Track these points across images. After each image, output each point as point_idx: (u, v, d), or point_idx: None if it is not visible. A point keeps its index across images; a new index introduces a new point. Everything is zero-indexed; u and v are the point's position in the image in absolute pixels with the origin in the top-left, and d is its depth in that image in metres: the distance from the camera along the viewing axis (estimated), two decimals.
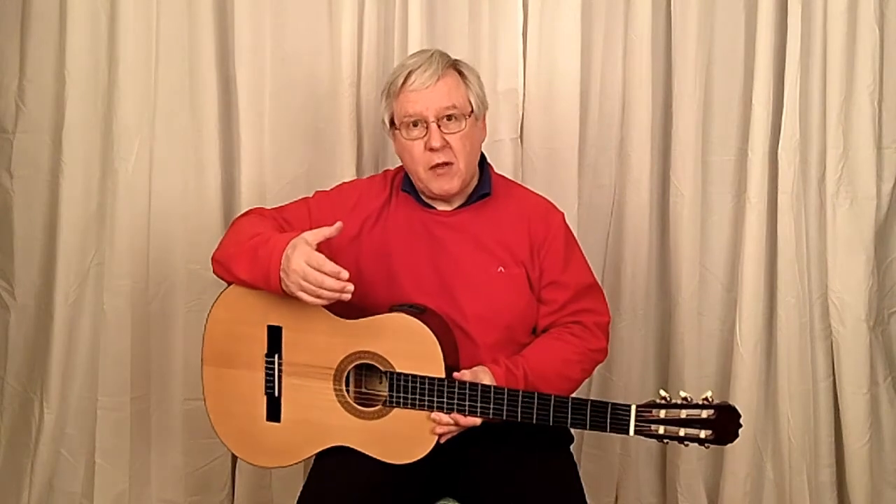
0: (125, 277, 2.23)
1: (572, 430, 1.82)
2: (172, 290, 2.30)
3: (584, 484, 1.67)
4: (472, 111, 1.71)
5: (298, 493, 1.60)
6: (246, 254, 1.59)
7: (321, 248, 1.56)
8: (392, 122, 1.73)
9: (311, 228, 1.70)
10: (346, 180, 2.10)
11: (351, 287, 1.51)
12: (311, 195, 1.83)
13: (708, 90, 2.25)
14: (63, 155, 2.22)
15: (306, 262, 1.50)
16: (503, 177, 1.88)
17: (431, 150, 1.66)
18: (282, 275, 1.53)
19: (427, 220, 1.74)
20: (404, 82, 1.68)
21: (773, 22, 2.17)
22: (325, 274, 1.49)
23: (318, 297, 1.51)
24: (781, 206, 2.21)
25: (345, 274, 1.50)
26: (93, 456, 2.28)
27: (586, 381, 1.83)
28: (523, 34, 2.25)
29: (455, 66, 1.73)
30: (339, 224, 1.56)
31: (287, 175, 2.27)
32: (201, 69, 2.24)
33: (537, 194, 1.84)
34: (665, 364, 2.38)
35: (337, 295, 1.51)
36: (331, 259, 1.55)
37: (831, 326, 2.25)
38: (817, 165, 2.24)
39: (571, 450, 1.78)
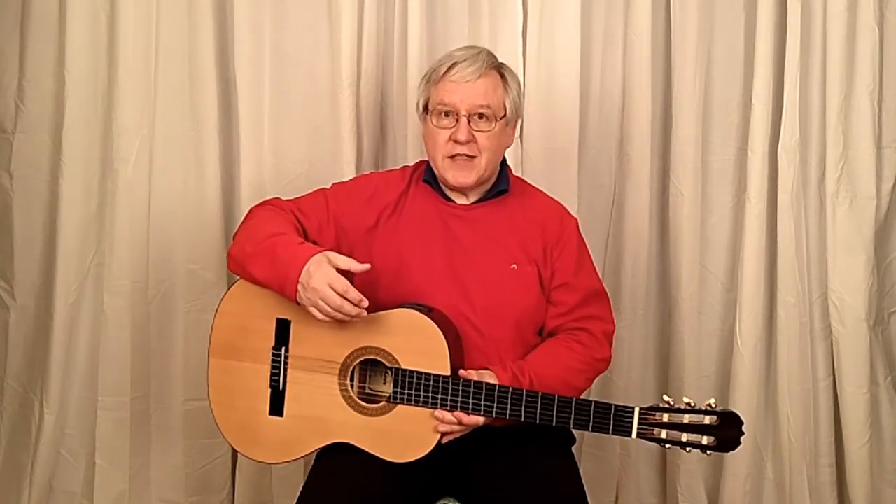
0: (125, 277, 2.23)
1: (574, 431, 1.82)
2: (172, 290, 2.29)
3: (584, 484, 1.66)
4: (504, 114, 1.73)
5: (298, 494, 1.60)
6: (264, 254, 1.60)
7: (331, 242, 1.62)
8: (426, 107, 1.75)
9: (328, 219, 1.74)
10: (345, 179, 2.10)
11: (365, 311, 1.54)
12: (328, 186, 1.84)
13: (708, 90, 2.26)
14: (63, 155, 2.21)
15: (329, 285, 1.51)
16: (520, 178, 1.91)
17: (456, 142, 1.68)
18: (299, 287, 1.54)
19: (444, 212, 1.76)
20: (447, 72, 1.70)
21: (772, 22, 2.17)
22: (347, 300, 1.51)
23: (330, 316, 1.54)
24: (781, 206, 2.21)
25: (366, 303, 1.53)
26: (93, 456, 2.28)
27: None
28: (523, 34, 2.25)
29: (499, 68, 1.76)
30: (367, 266, 1.57)
31: (287, 175, 2.27)
32: (201, 69, 2.24)
33: (553, 198, 1.86)
34: (665, 364, 2.39)
35: (350, 318, 1.54)
36: (348, 253, 1.61)
37: (831, 326, 2.25)
38: (817, 165, 2.24)
39: (572, 451, 1.78)
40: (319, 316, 1.54)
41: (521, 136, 2.27)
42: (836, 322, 2.24)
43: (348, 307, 1.52)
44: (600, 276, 1.87)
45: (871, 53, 2.16)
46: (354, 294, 1.52)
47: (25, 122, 2.26)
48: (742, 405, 2.23)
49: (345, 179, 1.94)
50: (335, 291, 1.51)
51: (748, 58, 2.23)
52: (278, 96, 2.25)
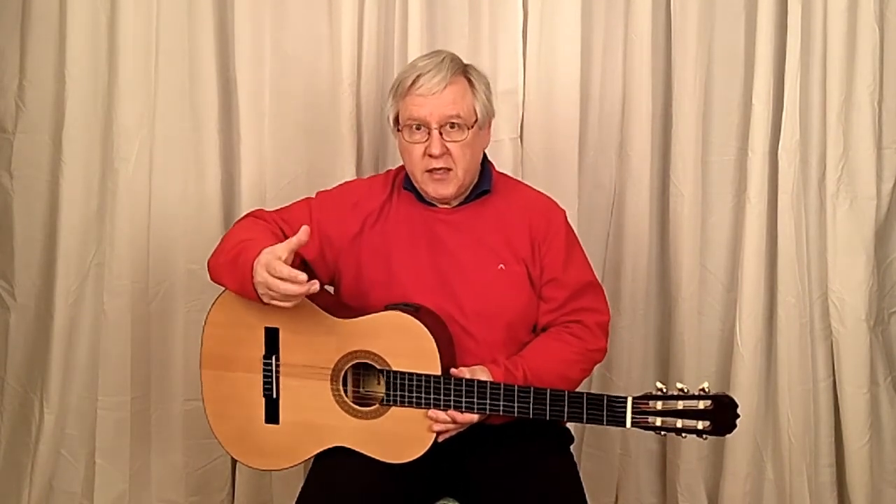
0: (125, 277, 2.23)
1: (572, 430, 1.82)
2: (172, 290, 2.30)
3: (584, 484, 1.66)
4: (476, 120, 1.70)
5: (298, 493, 1.60)
6: (228, 265, 1.61)
7: (315, 251, 1.61)
8: (396, 121, 1.72)
9: (312, 228, 1.70)
10: (346, 180, 2.10)
11: (316, 285, 1.51)
12: (313, 195, 1.83)
13: (708, 90, 2.25)
14: (63, 155, 2.22)
15: (267, 272, 1.51)
16: (504, 174, 1.88)
17: (430, 156, 1.66)
18: (255, 287, 1.54)
19: (428, 218, 1.74)
20: (412, 85, 1.67)
21: (773, 21, 2.17)
22: (284, 279, 1.49)
23: (286, 301, 1.52)
24: (781, 206, 2.21)
25: (302, 276, 1.50)
26: (93, 456, 2.29)
27: (586, 380, 1.83)
28: (523, 34, 2.25)
29: (465, 72, 1.72)
30: (305, 228, 1.56)
31: (287, 175, 2.27)
32: (201, 69, 2.24)
33: (539, 191, 1.84)
34: (665, 364, 2.38)
35: (303, 294, 1.51)
36: (333, 261, 1.65)
37: (831, 326, 2.25)
38: (817, 165, 2.24)
39: (571, 450, 1.78)
40: (282, 305, 1.52)
41: (521, 136, 2.27)
42: (836, 322, 2.24)
43: (292, 287, 1.49)
44: (600, 276, 1.87)
45: (871, 53, 2.16)
46: (287, 272, 1.48)
47: (26, 122, 2.26)
48: (742, 405, 2.18)
49: (344, 180, 1.94)
50: (275, 277, 1.49)
51: (748, 58, 2.23)
52: (278, 96, 2.25)
